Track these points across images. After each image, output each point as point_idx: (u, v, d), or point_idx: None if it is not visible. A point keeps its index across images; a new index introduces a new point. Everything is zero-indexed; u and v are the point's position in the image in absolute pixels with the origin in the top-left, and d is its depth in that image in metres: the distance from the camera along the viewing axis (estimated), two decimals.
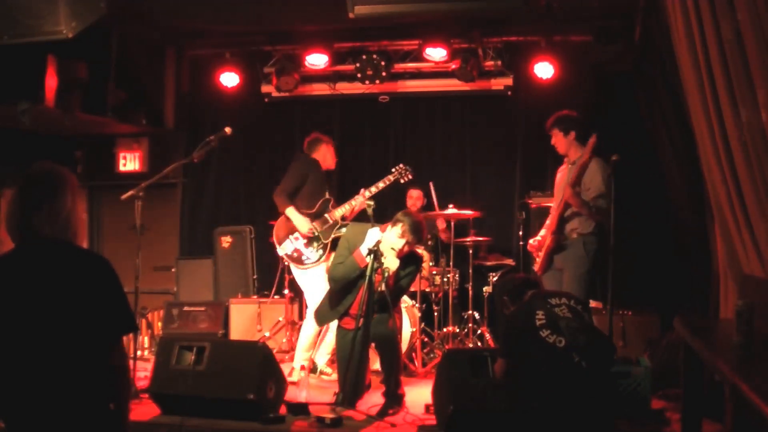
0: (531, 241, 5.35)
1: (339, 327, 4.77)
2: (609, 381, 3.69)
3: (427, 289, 6.08)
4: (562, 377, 3.36)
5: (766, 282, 3.31)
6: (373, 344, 4.73)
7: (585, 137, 5.00)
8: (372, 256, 4.35)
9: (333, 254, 5.10)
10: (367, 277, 4.37)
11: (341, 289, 4.61)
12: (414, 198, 6.74)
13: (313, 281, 5.46)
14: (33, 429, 2.14)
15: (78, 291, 2.19)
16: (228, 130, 5.28)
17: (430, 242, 6.24)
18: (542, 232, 5.32)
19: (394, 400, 4.54)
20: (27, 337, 2.14)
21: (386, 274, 4.36)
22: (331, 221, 5.53)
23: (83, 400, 2.18)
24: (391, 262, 4.36)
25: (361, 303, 4.44)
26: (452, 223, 5.97)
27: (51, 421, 2.13)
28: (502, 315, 3.98)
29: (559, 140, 5.15)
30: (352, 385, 4.54)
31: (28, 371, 2.14)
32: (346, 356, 4.61)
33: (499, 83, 6.83)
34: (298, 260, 5.47)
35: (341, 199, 6.06)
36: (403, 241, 4.38)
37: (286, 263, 5.76)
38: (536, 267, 5.22)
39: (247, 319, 6.59)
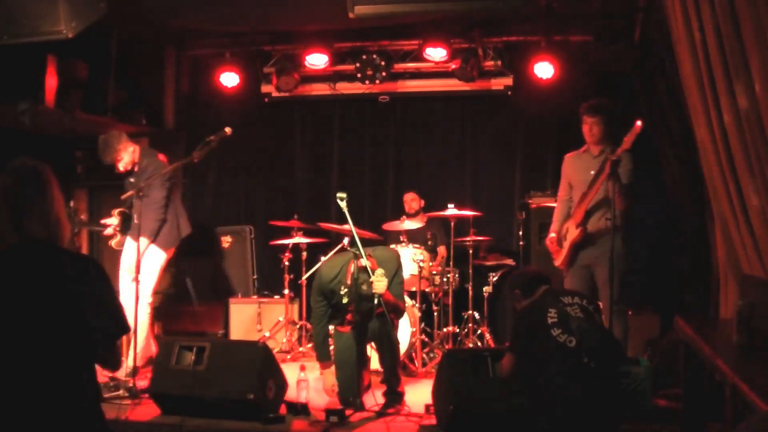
0: (548, 239, 5.19)
1: (336, 331, 4.79)
2: (616, 382, 3.67)
3: (427, 289, 6.08)
4: (570, 377, 3.35)
5: (766, 282, 3.31)
6: (371, 342, 4.74)
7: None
8: (355, 282, 4.43)
9: None
10: (356, 293, 4.44)
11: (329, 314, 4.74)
12: (408, 201, 6.74)
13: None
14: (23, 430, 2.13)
15: (69, 294, 2.17)
16: (228, 130, 5.28)
17: (429, 242, 6.25)
18: (554, 227, 5.19)
19: (394, 398, 4.54)
20: (17, 340, 2.13)
21: (378, 298, 4.34)
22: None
23: (72, 403, 2.17)
24: (380, 286, 4.34)
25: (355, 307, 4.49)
26: (452, 224, 5.98)
27: (39, 423, 2.13)
28: (512, 308, 3.94)
29: (598, 129, 4.95)
30: (351, 385, 4.55)
31: (18, 373, 2.13)
32: (344, 356, 4.64)
33: (499, 83, 6.83)
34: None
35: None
36: (385, 280, 4.38)
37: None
38: (558, 263, 5.09)
39: (247, 319, 6.59)
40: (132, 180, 5.46)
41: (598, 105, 4.99)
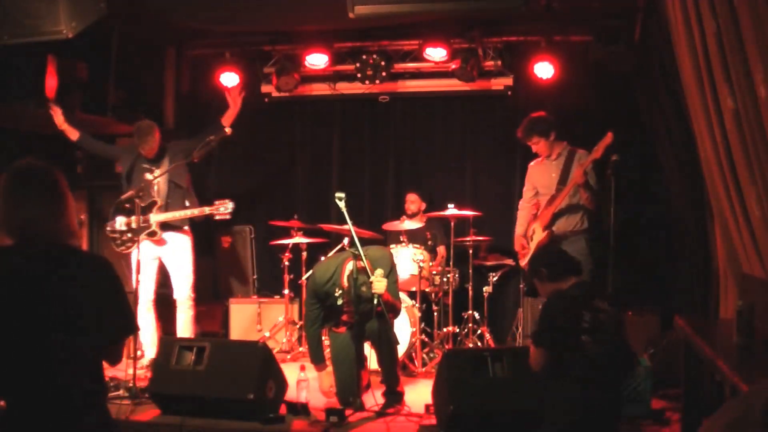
0: (518, 244, 5.53)
1: (332, 332, 4.79)
2: (621, 393, 3.61)
3: (427, 289, 6.08)
4: (586, 385, 3.30)
5: (766, 282, 3.31)
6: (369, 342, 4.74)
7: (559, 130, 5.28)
8: (354, 283, 4.40)
9: None
10: (354, 295, 4.42)
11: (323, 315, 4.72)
12: (409, 202, 6.74)
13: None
14: (28, 428, 2.14)
15: (78, 293, 2.18)
16: (228, 130, 5.28)
17: (429, 242, 6.25)
18: (519, 230, 5.52)
19: (393, 398, 4.54)
20: (25, 338, 2.14)
21: (379, 297, 4.34)
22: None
23: (78, 400, 2.18)
24: (380, 286, 4.34)
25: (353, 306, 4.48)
26: (452, 224, 5.98)
27: (45, 420, 2.13)
28: (530, 286, 3.74)
29: (542, 145, 5.31)
30: (350, 385, 4.55)
31: (25, 371, 2.14)
32: (342, 357, 4.64)
33: (499, 83, 6.83)
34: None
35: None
36: (385, 281, 4.39)
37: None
38: (524, 263, 5.29)
39: (247, 319, 6.59)
40: (147, 166, 5.49)
41: (525, 129, 5.37)
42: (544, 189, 5.35)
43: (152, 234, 5.39)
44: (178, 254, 5.53)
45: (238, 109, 5.67)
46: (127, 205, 5.47)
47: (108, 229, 5.51)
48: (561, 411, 3.34)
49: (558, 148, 5.30)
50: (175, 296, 5.56)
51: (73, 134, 5.65)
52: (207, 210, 5.38)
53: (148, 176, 5.41)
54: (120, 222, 5.46)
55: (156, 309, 5.59)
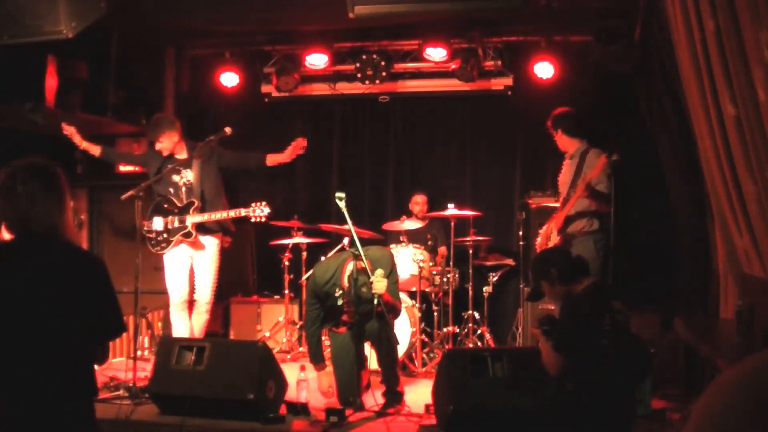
0: (539, 240, 5.42)
1: (332, 332, 4.78)
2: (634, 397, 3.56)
3: (427, 289, 6.08)
4: (600, 391, 3.27)
5: (766, 282, 3.31)
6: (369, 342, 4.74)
7: (574, 128, 5.21)
8: (354, 284, 4.39)
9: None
10: (353, 295, 4.40)
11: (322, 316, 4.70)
12: (421, 203, 6.74)
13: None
14: (11, 423, 2.14)
15: (72, 290, 2.19)
16: (228, 130, 5.28)
17: (430, 242, 6.25)
18: (542, 230, 5.41)
19: (393, 398, 4.54)
20: (17, 334, 2.15)
21: (379, 298, 4.32)
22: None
23: (62, 396, 2.18)
24: (380, 287, 4.33)
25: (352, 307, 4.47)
26: (452, 224, 5.98)
27: (33, 418, 2.13)
28: (534, 289, 3.55)
29: (556, 139, 5.31)
30: (350, 385, 4.55)
31: (16, 368, 2.15)
32: (342, 357, 4.64)
33: (499, 83, 6.83)
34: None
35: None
36: (385, 281, 4.38)
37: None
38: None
39: (247, 319, 6.59)
40: (171, 166, 5.39)
41: (551, 121, 5.30)
42: (561, 187, 5.30)
43: (188, 235, 5.31)
44: (206, 257, 5.46)
45: (288, 161, 5.66)
46: (166, 206, 5.39)
47: (145, 229, 5.40)
48: (577, 414, 3.31)
49: (573, 146, 5.21)
50: (195, 297, 5.53)
51: (95, 150, 5.64)
52: (243, 212, 5.31)
53: (176, 178, 5.40)
54: (158, 222, 5.36)
55: (190, 310, 5.56)
